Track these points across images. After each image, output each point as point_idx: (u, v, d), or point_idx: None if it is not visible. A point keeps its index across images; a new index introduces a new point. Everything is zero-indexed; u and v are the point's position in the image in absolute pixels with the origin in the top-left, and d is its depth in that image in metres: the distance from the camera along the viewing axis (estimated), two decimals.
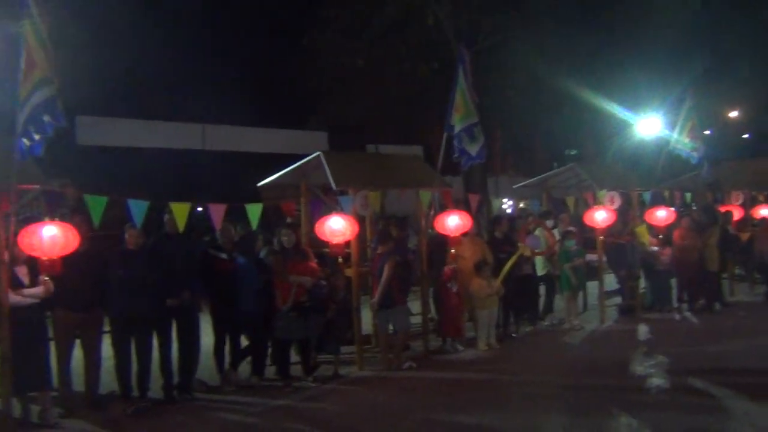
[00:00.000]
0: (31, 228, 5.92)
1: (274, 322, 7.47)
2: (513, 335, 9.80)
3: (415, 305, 9.42)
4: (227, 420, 6.55)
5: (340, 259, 8.09)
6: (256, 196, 11.24)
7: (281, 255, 7.71)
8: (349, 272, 8.25)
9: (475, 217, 9.71)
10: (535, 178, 13.07)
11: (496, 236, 9.90)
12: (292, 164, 9.07)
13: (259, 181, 9.79)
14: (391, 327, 8.25)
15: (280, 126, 18.71)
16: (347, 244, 8.04)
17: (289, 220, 9.62)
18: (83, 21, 13.58)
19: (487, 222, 11.88)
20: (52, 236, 5.86)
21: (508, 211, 20.15)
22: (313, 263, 7.74)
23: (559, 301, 10.66)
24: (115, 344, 6.84)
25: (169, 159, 16.92)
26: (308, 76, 19.28)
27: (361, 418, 6.48)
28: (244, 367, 7.74)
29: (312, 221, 8.63)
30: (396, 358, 8.21)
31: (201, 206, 7.56)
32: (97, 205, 6.29)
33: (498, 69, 17.01)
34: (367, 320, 8.64)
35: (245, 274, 7.46)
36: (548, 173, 13.00)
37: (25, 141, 5.41)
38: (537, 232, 10.19)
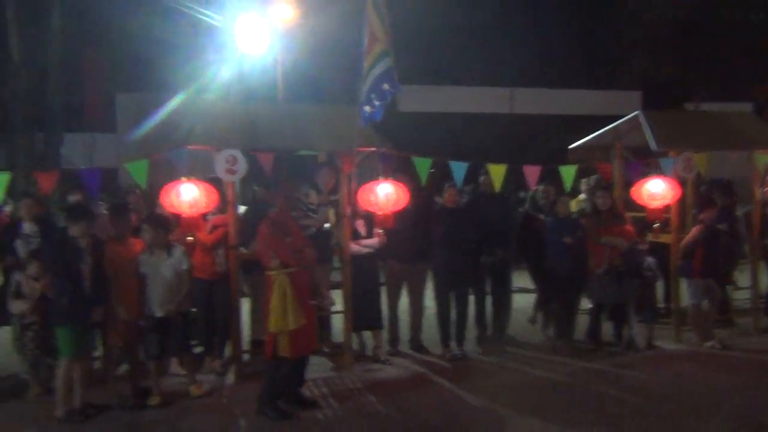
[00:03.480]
0: (369, 186, 6.69)
1: (588, 285, 7.43)
2: None
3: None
4: (537, 376, 6.71)
5: (656, 224, 7.67)
6: (561, 158, 11.11)
7: (594, 217, 7.57)
8: (667, 238, 7.78)
9: None
10: None
11: None
12: (602, 126, 8.76)
13: (567, 144, 9.64)
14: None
15: (588, 87, 18.11)
16: (666, 208, 7.58)
17: (588, 182, 9.32)
18: None
19: None
20: (386, 194, 6.56)
21: None
22: (629, 226, 7.45)
23: None
24: (437, 295, 7.40)
25: (478, 123, 17.50)
26: (620, 31, 18.27)
27: (679, 390, 6.14)
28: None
29: (626, 183, 8.29)
30: (703, 332, 7.52)
31: (515, 167, 7.74)
32: (422, 166, 6.83)
33: None
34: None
35: (554, 234, 7.48)
36: None
37: (367, 108, 6.07)
38: None
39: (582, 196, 9.09)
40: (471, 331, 7.52)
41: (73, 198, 6.88)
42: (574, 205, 8.42)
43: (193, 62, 14.04)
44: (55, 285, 5.66)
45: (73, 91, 14.82)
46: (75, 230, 5.63)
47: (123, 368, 6.30)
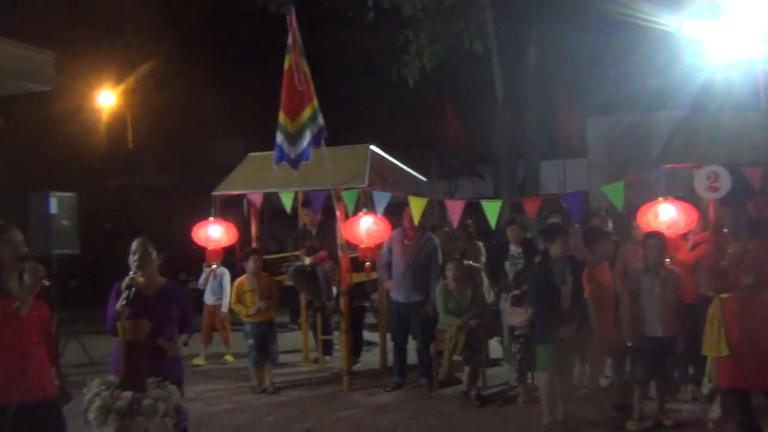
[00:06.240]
0: None
1: None
2: None
3: None
4: None
5: None
6: None
7: None
8: None
9: None
10: None
11: None
12: None
13: None
14: None
15: None
16: None
17: None
18: None
19: None
20: None
21: None
22: None
23: None
24: None
25: None
26: None
27: None
28: None
29: None
30: None
31: None
32: None
33: None
34: None
35: None
36: None
37: None
38: None
39: None
40: None
41: (553, 221, 7.32)
42: None
43: (659, 78, 13.49)
44: (536, 304, 6.06)
45: (547, 121, 15.71)
46: (553, 250, 5.93)
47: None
